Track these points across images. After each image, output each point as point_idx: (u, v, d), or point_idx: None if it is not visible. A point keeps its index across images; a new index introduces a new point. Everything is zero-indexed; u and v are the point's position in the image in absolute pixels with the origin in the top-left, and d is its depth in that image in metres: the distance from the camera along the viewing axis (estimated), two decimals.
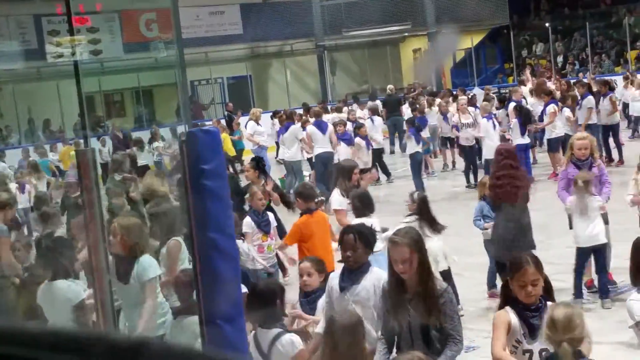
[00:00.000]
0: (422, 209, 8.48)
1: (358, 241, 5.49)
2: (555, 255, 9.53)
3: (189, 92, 31.45)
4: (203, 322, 4.37)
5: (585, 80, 21.95)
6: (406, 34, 35.20)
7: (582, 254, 8.86)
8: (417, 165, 16.61)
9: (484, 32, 36.22)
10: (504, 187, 8.61)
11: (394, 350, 5.11)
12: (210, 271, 4.35)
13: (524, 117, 16.54)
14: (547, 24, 34.05)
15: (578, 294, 8.86)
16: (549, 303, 4.89)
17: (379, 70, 34.91)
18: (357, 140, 16.99)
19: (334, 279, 5.62)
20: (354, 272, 5.48)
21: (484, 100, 19.09)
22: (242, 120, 23.41)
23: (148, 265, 6.29)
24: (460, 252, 9.25)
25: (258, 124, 20.07)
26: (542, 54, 34.66)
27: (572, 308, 4.52)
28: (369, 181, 10.51)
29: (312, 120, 17.89)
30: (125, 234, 6.30)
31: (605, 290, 8.88)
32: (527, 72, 26.06)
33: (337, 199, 8.98)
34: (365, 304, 5.40)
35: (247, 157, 23.62)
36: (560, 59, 33.29)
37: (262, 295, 5.22)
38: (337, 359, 4.59)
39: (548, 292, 5.01)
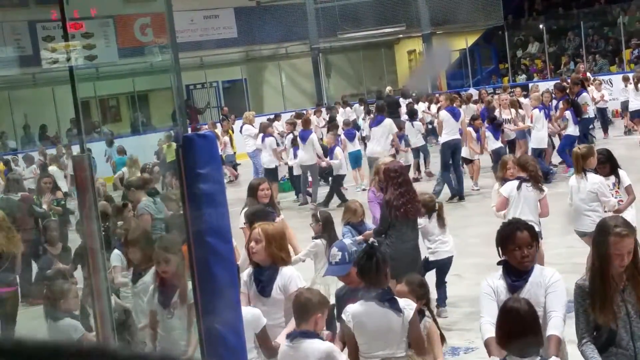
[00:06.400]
0: (327, 228, 8.23)
1: (534, 239, 5.12)
2: (553, 255, 9.53)
3: (184, 96, 31.46)
4: (201, 328, 4.35)
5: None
6: (401, 35, 35.23)
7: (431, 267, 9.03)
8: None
9: (479, 32, 36.26)
10: (408, 204, 8.17)
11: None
12: (207, 276, 4.33)
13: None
14: (541, 25, 34.09)
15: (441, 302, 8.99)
16: None
17: (374, 72, 34.95)
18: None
19: (492, 280, 5.12)
20: (522, 271, 5.07)
21: (531, 94, 19.08)
22: (237, 123, 23.34)
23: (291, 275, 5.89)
24: (457, 253, 9.25)
25: (253, 126, 20.04)
26: (537, 53, 34.68)
27: None
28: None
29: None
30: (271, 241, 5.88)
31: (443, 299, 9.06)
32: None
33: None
34: (535, 300, 4.94)
35: (241, 161, 23.66)
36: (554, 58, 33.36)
37: (524, 320, 4.62)
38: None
39: None
